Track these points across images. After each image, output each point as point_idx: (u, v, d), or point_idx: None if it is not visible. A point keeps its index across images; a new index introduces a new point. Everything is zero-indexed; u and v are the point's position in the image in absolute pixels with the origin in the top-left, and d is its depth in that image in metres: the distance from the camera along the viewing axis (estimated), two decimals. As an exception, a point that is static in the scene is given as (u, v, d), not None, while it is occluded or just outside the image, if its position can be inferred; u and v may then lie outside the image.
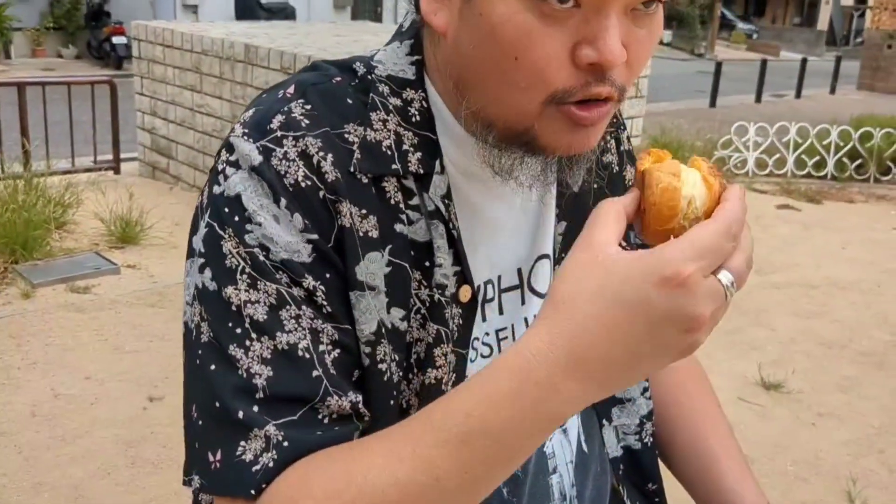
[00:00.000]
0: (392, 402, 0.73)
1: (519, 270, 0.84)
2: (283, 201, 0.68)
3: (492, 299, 0.82)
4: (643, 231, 0.65)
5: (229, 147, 0.71)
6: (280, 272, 0.67)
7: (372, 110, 0.74)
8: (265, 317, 0.67)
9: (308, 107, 0.72)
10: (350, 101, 0.74)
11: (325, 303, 0.69)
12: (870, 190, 7.78)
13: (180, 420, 0.71)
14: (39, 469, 2.78)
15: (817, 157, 8.04)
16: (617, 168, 0.93)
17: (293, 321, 0.67)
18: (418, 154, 0.74)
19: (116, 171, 6.76)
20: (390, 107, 0.74)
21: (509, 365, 0.62)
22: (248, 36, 5.92)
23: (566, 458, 0.88)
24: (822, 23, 39.45)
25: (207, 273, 0.69)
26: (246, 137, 0.70)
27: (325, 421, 0.67)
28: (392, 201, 0.73)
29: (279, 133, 0.69)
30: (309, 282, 0.68)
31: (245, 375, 0.66)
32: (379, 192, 0.72)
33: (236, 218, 0.68)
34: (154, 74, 6.52)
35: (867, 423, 3.49)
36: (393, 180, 0.73)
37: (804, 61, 16.91)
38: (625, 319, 0.59)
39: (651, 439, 0.96)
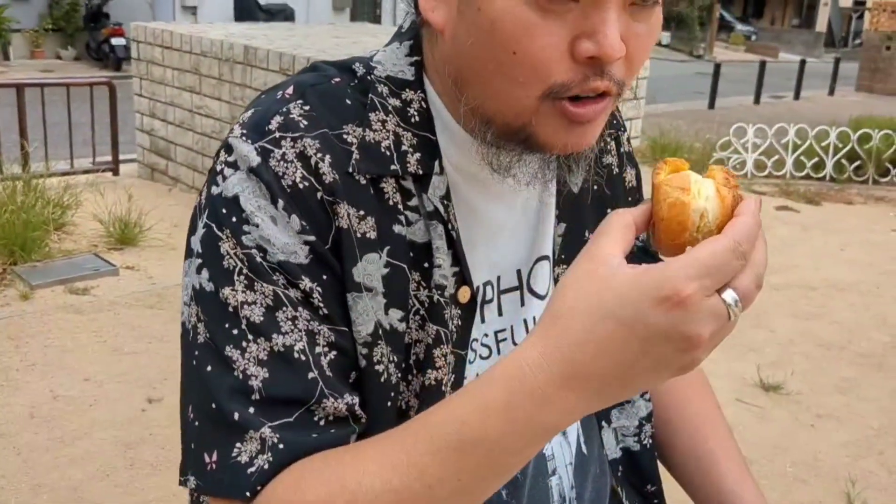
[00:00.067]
0: (390, 404, 0.73)
1: (518, 272, 0.84)
2: (281, 202, 0.68)
3: (491, 300, 0.82)
4: (657, 244, 0.64)
5: (228, 148, 0.71)
6: (277, 273, 0.67)
7: (371, 111, 0.74)
8: (262, 318, 0.67)
9: (307, 108, 0.71)
10: (349, 101, 0.74)
11: (321, 304, 0.68)
12: (868, 191, 7.79)
13: (179, 421, 0.71)
14: (38, 470, 2.78)
15: (816, 159, 8.04)
16: (617, 170, 0.93)
17: (289, 323, 0.67)
18: (417, 155, 0.74)
19: (115, 172, 6.76)
20: (389, 107, 0.74)
21: (505, 374, 0.61)
22: (247, 37, 5.92)
23: (565, 460, 0.88)
24: (821, 24, 39.50)
25: (205, 274, 0.68)
26: (244, 138, 0.70)
27: (321, 423, 0.67)
28: (391, 202, 0.73)
29: (278, 134, 0.69)
30: (306, 283, 0.68)
31: (241, 377, 0.66)
32: (377, 193, 0.72)
33: (234, 219, 0.68)
34: (153, 76, 6.52)
35: (866, 425, 3.49)
36: (391, 181, 0.73)
37: (803, 63, 16.92)
38: (620, 336, 0.58)
39: (650, 441, 0.96)
